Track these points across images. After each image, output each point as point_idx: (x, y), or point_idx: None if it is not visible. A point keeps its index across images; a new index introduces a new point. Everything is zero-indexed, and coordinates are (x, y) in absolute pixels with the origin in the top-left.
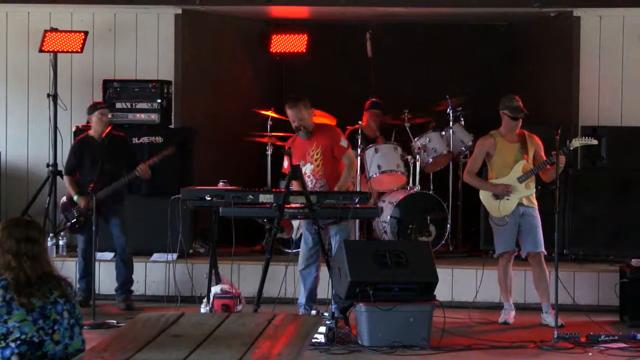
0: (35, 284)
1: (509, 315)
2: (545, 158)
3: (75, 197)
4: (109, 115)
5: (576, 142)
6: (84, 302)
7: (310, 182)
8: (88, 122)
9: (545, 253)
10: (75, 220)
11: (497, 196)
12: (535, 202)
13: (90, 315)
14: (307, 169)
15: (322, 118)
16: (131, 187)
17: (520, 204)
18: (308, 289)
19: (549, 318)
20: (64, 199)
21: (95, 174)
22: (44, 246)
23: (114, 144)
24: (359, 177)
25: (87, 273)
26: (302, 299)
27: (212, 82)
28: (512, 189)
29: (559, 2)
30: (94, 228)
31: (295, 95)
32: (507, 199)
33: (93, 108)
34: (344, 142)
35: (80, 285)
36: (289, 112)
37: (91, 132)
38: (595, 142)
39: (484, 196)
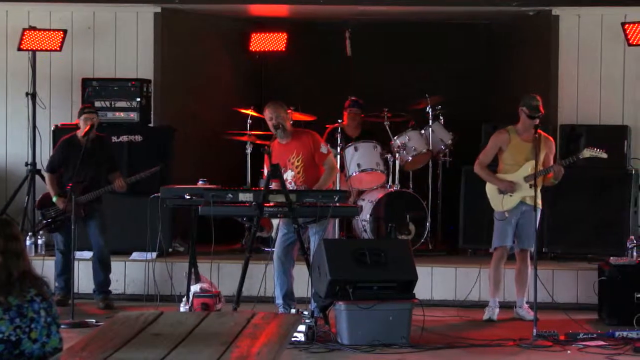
0: (15, 282)
1: (494, 312)
2: (553, 163)
3: (54, 198)
4: (95, 119)
5: (587, 153)
6: (63, 301)
7: (291, 188)
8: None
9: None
10: (51, 220)
11: (501, 191)
12: (540, 203)
13: (69, 314)
14: (287, 176)
15: (300, 117)
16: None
17: (523, 202)
18: (283, 289)
19: (522, 312)
20: (42, 195)
21: (77, 176)
22: (24, 244)
23: (96, 147)
24: (338, 176)
25: (67, 270)
26: (278, 300)
27: (191, 81)
28: (516, 187)
29: (538, 1)
30: (72, 227)
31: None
32: (510, 196)
33: (80, 111)
34: (324, 149)
35: (58, 284)
36: (267, 110)
37: (78, 133)
38: (605, 155)
39: (489, 189)
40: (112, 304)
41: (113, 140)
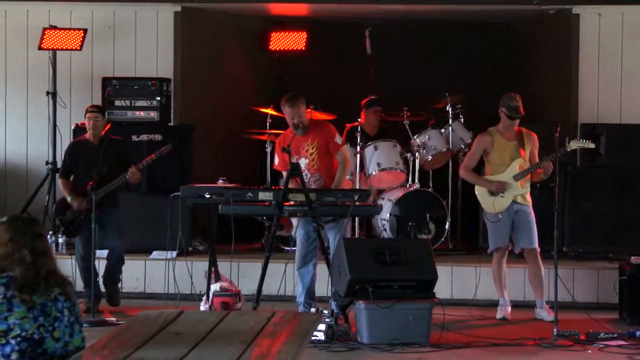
0: (41, 280)
1: (506, 310)
2: (538, 158)
3: (69, 199)
4: (100, 119)
5: (574, 145)
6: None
7: (305, 177)
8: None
9: (539, 249)
10: (69, 223)
11: (492, 193)
12: (530, 200)
13: (90, 313)
14: (301, 163)
15: (320, 115)
16: (128, 187)
17: (514, 202)
18: (306, 287)
19: (543, 313)
20: (57, 202)
21: (88, 177)
22: (49, 244)
23: (108, 147)
24: (358, 175)
25: (89, 282)
26: (300, 298)
27: (211, 80)
28: (507, 187)
29: (558, 0)
30: (93, 225)
31: (293, 93)
32: (502, 196)
33: (85, 111)
34: (338, 139)
35: (86, 292)
36: (289, 110)
37: (87, 135)
38: (592, 145)
39: (480, 192)
40: (116, 300)
41: (133, 139)
